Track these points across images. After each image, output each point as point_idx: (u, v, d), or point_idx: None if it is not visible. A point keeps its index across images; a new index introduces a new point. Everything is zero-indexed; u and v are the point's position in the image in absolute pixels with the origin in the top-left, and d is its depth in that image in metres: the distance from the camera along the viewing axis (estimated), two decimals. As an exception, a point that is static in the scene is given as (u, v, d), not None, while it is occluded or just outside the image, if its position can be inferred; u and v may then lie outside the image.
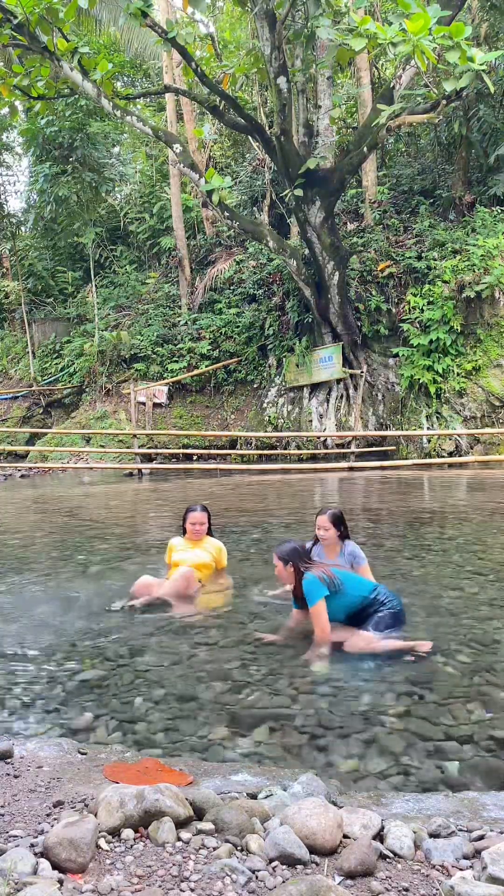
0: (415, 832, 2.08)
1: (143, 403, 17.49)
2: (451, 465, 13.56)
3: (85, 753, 2.70)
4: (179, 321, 19.58)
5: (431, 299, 14.97)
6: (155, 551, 6.70)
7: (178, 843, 1.98)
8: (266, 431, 16.84)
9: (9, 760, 2.55)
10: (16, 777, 2.41)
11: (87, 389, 19.89)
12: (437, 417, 14.71)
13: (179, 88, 16.73)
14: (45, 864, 1.84)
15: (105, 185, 21.33)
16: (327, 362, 15.99)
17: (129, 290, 21.82)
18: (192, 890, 1.77)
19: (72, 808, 2.17)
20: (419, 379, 14.75)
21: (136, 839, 2.01)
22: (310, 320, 16.57)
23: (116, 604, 4.87)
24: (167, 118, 20.44)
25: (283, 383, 17.31)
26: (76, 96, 16.42)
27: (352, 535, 5.00)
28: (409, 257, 15.65)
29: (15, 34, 12.70)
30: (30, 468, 16.87)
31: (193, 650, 4.00)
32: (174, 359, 18.73)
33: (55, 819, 2.09)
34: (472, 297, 14.40)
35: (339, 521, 4.85)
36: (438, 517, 8.51)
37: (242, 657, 3.83)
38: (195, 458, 16.85)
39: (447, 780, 2.63)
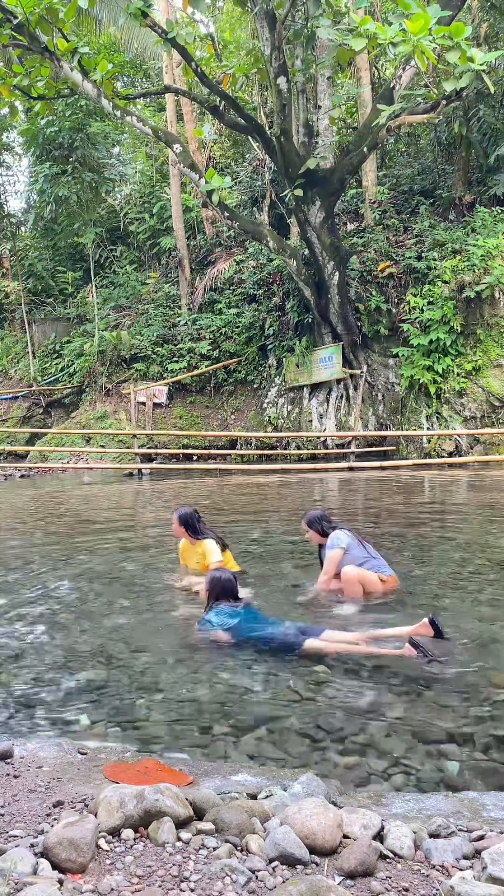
0: (415, 832, 2.08)
1: (143, 403, 17.49)
2: (450, 465, 13.55)
3: (85, 753, 2.70)
4: (179, 321, 19.57)
5: (431, 299, 14.96)
6: (155, 551, 6.70)
7: (178, 843, 1.97)
8: (266, 431, 16.84)
9: (9, 760, 2.55)
10: (16, 777, 2.40)
11: (87, 389, 19.89)
12: (437, 417, 14.71)
13: (179, 88, 16.71)
14: (45, 864, 1.84)
15: (105, 185, 21.32)
16: (327, 362, 15.99)
17: (129, 290, 21.81)
18: (192, 890, 1.77)
19: (72, 808, 2.17)
20: (419, 379, 14.74)
21: (136, 839, 2.00)
22: (310, 320, 16.56)
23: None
24: (167, 118, 20.44)
25: (283, 383, 17.31)
26: (76, 96, 16.40)
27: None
28: (409, 257, 15.65)
29: (15, 34, 12.71)
30: (30, 468, 16.87)
31: (194, 650, 4.00)
32: (174, 359, 18.72)
33: (55, 819, 2.09)
34: (472, 297, 14.40)
35: (311, 523, 5.08)
36: (438, 517, 8.50)
37: (242, 657, 3.83)
38: (195, 458, 16.85)
39: (447, 781, 2.63)
